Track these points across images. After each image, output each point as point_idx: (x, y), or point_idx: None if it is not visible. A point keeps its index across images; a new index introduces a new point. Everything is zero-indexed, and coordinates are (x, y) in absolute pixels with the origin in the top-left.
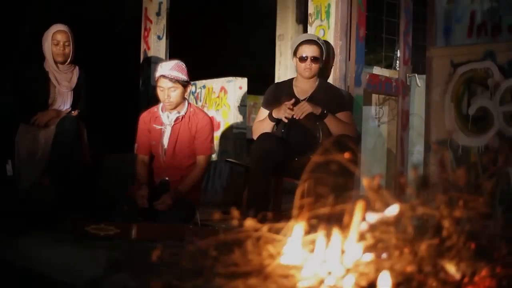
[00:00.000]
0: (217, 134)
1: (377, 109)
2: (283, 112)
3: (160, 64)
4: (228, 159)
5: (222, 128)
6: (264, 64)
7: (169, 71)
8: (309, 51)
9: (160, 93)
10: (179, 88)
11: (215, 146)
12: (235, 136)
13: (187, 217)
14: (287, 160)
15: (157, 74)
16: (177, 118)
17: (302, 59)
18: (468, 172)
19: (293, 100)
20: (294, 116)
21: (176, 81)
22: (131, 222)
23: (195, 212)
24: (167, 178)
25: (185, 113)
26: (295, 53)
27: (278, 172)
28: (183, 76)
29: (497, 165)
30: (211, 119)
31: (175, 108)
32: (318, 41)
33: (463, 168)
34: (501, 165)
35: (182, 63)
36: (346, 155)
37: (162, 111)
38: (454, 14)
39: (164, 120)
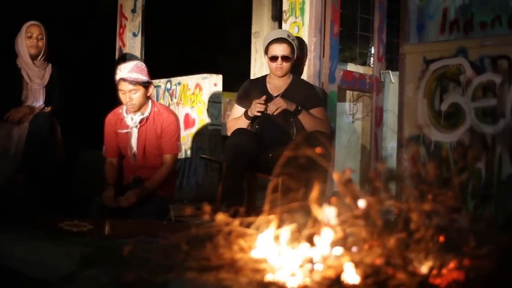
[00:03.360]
0: (192, 131)
1: (351, 105)
2: (254, 108)
3: (119, 66)
4: (203, 156)
5: (197, 124)
6: (240, 61)
7: (128, 74)
8: (279, 50)
9: (122, 96)
10: (141, 90)
11: (190, 143)
12: (210, 133)
13: (160, 213)
14: (261, 156)
15: (117, 77)
16: (141, 120)
17: (273, 59)
18: (440, 167)
19: (264, 97)
20: (269, 112)
21: (136, 83)
22: (104, 218)
23: (168, 208)
24: (140, 175)
25: (149, 114)
26: (266, 51)
27: (252, 168)
28: (144, 77)
29: (469, 161)
30: (176, 118)
31: (138, 109)
32: (288, 38)
33: (432, 163)
34: (472, 161)
35: (142, 63)
36: (318, 150)
37: (126, 113)
38: (427, 11)
39: (129, 122)
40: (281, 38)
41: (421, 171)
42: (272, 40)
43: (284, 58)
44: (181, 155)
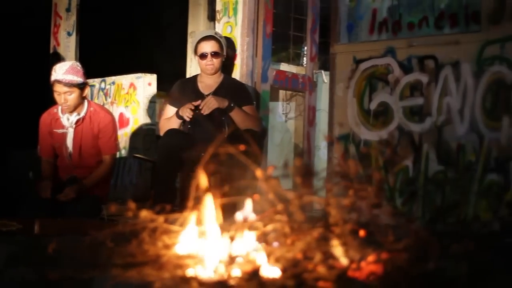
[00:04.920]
0: (127, 131)
1: (284, 105)
2: (184, 112)
3: (54, 67)
4: (136, 155)
5: (131, 124)
6: (177, 61)
7: (63, 76)
8: (208, 47)
9: (57, 97)
10: (76, 91)
11: (124, 142)
12: (145, 132)
13: (92, 212)
14: (194, 155)
15: (52, 78)
16: (78, 120)
17: (203, 56)
18: (368, 165)
19: (199, 102)
20: (202, 112)
21: (71, 85)
22: (34, 217)
23: (101, 207)
24: (75, 175)
25: (86, 114)
26: (195, 51)
27: (185, 168)
28: (79, 79)
29: (396, 159)
30: (113, 117)
31: (74, 110)
32: (215, 35)
33: (354, 160)
34: (400, 159)
35: (78, 64)
36: (242, 147)
37: (62, 113)
38: (356, 11)
39: (65, 122)
40: (208, 35)
41: (345, 167)
42: (200, 39)
43: (214, 55)
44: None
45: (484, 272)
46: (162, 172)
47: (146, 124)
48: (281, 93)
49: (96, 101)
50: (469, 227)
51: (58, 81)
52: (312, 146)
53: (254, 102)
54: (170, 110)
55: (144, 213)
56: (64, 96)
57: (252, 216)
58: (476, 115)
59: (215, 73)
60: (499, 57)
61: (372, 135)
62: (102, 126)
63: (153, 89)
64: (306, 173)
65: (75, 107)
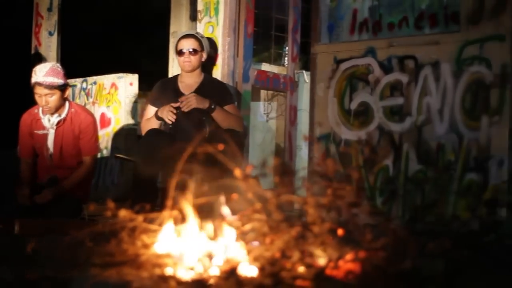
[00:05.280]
0: (108, 130)
1: (266, 104)
2: (166, 114)
3: (34, 69)
4: (118, 155)
5: (113, 124)
6: (159, 61)
7: (43, 78)
8: (186, 44)
9: (38, 99)
10: (57, 93)
11: (106, 142)
12: (126, 132)
13: (73, 212)
14: (175, 155)
15: (32, 80)
16: (59, 122)
17: (181, 53)
18: (349, 164)
19: (178, 104)
20: (182, 109)
21: (52, 87)
22: (14, 217)
23: (82, 208)
24: (56, 174)
25: (67, 115)
26: (176, 50)
27: (166, 168)
28: (59, 80)
29: (377, 158)
30: (94, 118)
31: (55, 111)
32: (196, 35)
33: (333, 159)
34: (380, 158)
35: (58, 65)
36: (221, 147)
37: (42, 114)
38: (337, 11)
39: (46, 124)
40: (188, 34)
41: (323, 167)
42: (180, 37)
43: (192, 52)
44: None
45: (460, 270)
46: (142, 172)
47: (128, 124)
48: (263, 93)
49: (77, 101)
50: (448, 226)
51: (39, 84)
52: (293, 145)
53: (236, 101)
54: (151, 110)
55: (123, 213)
56: (45, 98)
57: (231, 215)
58: (456, 115)
59: (192, 70)
60: (478, 57)
61: (353, 134)
62: (83, 127)
63: (134, 89)
64: (284, 172)
65: (56, 109)
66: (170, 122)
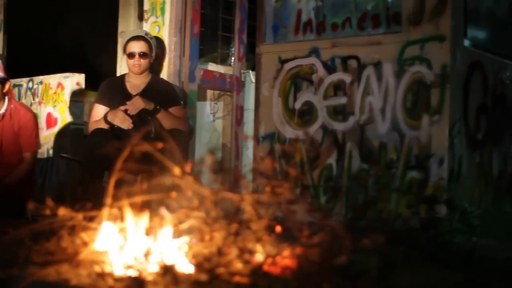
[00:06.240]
0: (55, 130)
1: (212, 104)
2: (121, 121)
3: None
4: (64, 155)
5: (59, 124)
6: (107, 61)
7: None
8: (136, 47)
9: None
10: None
11: (53, 142)
12: (73, 132)
13: (16, 212)
14: (120, 155)
15: None
16: None
17: (131, 56)
18: (293, 163)
19: (125, 107)
20: (128, 112)
21: None
22: None
23: (25, 207)
24: None
25: (6, 111)
26: (124, 50)
27: (111, 167)
28: None
29: (320, 157)
30: (33, 115)
31: None
32: (146, 36)
33: (271, 157)
34: (324, 157)
35: None
36: (160, 145)
37: None
38: (282, 12)
39: None
40: (138, 36)
41: (263, 165)
42: (130, 38)
43: (142, 55)
44: (43, 154)
45: (392, 265)
46: (87, 171)
47: (74, 124)
48: (209, 92)
49: (23, 100)
50: (390, 223)
51: None
52: (240, 145)
53: (182, 102)
54: (98, 109)
55: (63, 211)
56: None
57: (169, 213)
58: (397, 114)
59: (141, 73)
60: (419, 58)
61: (297, 134)
62: (22, 123)
63: (81, 89)
64: (221, 169)
65: None
66: (127, 128)
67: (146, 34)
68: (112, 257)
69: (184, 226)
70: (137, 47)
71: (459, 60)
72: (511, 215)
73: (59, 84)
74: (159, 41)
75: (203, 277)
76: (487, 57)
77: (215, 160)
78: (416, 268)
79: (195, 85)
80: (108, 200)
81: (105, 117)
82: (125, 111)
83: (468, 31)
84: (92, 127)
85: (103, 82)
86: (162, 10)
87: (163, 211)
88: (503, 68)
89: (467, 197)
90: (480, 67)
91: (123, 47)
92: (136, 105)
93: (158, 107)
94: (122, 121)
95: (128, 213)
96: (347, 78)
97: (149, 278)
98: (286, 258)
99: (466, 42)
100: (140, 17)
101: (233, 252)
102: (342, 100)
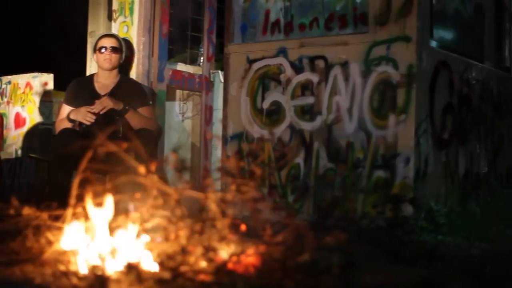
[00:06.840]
0: (23, 130)
1: (181, 104)
2: (83, 116)
3: None
4: (31, 155)
5: (28, 124)
6: (77, 61)
7: None
8: (107, 42)
9: None
10: None
11: (21, 142)
12: (41, 132)
13: None
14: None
15: None
16: None
17: (101, 50)
18: (260, 162)
19: (93, 107)
20: (95, 111)
21: None
22: None
23: None
24: None
25: None
26: (95, 48)
27: (79, 167)
28: None
29: (288, 156)
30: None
31: None
32: (116, 35)
33: (236, 156)
34: (292, 156)
35: None
36: (124, 145)
37: None
38: (250, 12)
39: None
40: (110, 33)
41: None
42: (101, 36)
43: (113, 50)
44: (12, 154)
45: (354, 263)
46: (55, 172)
47: (43, 124)
48: (178, 92)
49: None
50: (357, 222)
51: None
52: (209, 145)
53: (151, 102)
54: (66, 110)
55: (27, 211)
56: None
57: (134, 212)
58: (364, 113)
59: (112, 69)
60: (385, 58)
61: (265, 133)
62: None
63: (49, 89)
64: (183, 168)
65: None
66: (89, 123)
67: (117, 35)
68: (77, 256)
69: (149, 224)
70: (108, 42)
71: (425, 60)
72: (476, 214)
73: (28, 84)
74: (127, 42)
75: (167, 275)
76: (453, 58)
77: (179, 159)
78: (379, 266)
79: (164, 85)
80: (73, 199)
81: (68, 116)
82: (92, 110)
83: (434, 31)
84: (58, 126)
85: (71, 82)
86: (131, 10)
87: (129, 210)
88: (469, 69)
89: (433, 196)
90: (446, 67)
91: (93, 46)
92: (104, 105)
93: (127, 107)
94: (84, 116)
95: (93, 212)
96: (315, 78)
97: (113, 276)
98: (250, 256)
99: (432, 43)
100: (110, 17)
101: (197, 250)
102: (310, 100)
